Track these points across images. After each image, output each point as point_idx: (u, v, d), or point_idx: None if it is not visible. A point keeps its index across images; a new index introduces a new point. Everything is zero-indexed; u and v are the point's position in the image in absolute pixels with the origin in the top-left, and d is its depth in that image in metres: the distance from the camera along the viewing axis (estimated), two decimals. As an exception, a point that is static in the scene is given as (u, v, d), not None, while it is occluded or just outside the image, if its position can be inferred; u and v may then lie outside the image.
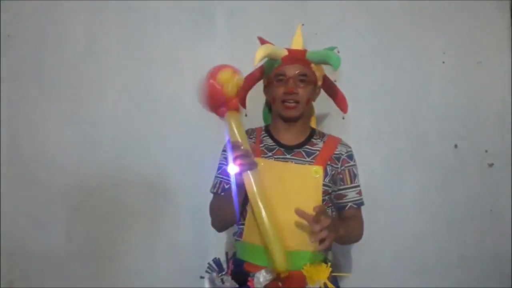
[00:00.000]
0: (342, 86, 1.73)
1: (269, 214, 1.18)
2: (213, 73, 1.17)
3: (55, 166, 1.78)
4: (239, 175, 1.17)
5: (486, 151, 1.74)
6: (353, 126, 1.75)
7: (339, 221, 1.28)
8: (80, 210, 1.78)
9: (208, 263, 1.31)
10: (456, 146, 1.74)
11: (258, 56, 1.21)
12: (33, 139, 1.79)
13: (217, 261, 1.31)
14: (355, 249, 1.72)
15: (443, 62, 1.75)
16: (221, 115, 1.22)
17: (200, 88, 1.21)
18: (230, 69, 1.21)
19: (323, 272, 1.19)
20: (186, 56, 1.74)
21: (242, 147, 1.17)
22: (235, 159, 1.15)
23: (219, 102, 1.19)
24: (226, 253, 1.34)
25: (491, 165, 1.73)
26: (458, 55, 1.75)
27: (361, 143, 1.73)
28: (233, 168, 1.15)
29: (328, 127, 1.73)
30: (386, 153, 1.74)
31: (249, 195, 1.19)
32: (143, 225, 1.76)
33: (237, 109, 1.23)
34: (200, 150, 1.70)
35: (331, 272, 1.21)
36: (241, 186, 1.19)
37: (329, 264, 1.22)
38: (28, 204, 1.78)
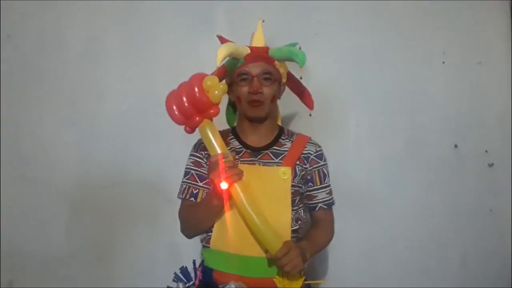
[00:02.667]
0: (342, 85, 1.75)
1: (259, 216, 1.14)
2: (198, 78, 1.12)
3: (55, 166, 1.78)
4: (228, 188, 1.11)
5: (486, 151, 1.73)
6: (353, 126, 1.74)
7: (305, 242, 1.22)
8: (80, 210, 1.78)
9: (175, 273, 1.26)
10: (456, 146, 1.74)
11: (219, 56, 1.17)
12: (33, 139, 1.80)
13: (184, 271, 1.26)
14: (355, 249, 1.72)
15: (443, 62, 1.75)
16: (192, 126, 1.15)
17: (173, 95, 1.14)
18: (215, 76, 1.15)
19: (296, 282, 1.16)
20: (186, 56, 1.74)
21: (226, 159, 1.10)
22: (223, 172, 1.08)
23: (200, 109, 1.12)
24: (194, 261, 1.29)
25: (491, 165, 1.73)
26: (458, 55, 1.75)
27: (361, 143, 1.74)
28: (224, 184, 1.09)
29: (328, 127, 1.73)
30: (386, 153, 1.74)
31: (237, 203, 1.15)
32: (143, 225, 1.76)
33: (212, 118, 1.16)
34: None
35: (304, 280, 1.18)
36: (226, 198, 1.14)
37: (302, 272, 1.18)
38: (28, 204, 1.79)
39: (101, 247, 1.78)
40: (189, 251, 1.69)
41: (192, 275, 1.26)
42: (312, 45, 1.73)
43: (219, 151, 1.13)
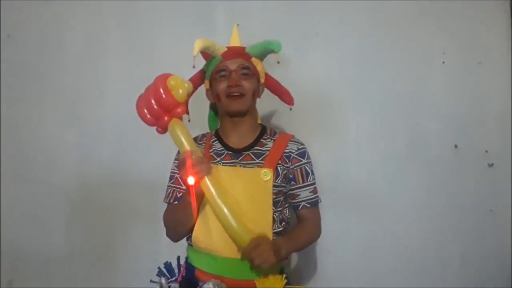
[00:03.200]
0: (342, 85, 1.75)
1: (231, 210, 1.14)
2: (162, 79, 1.14)
3: (55, 166, 1.78)
4: (197, 183, 1.11)
5: (486, 151, 1.73)
6: (353, 126, 1.74)
7: (282, 238, 1.22)
8: (80, 210, 1.78)
9: (159, 268, 1.27)
10: (456, 146, 1.74)
11: (196, 46, 1.21)
12: (33, 139, 1.80)
13: (168, 266, 1.27)
14: (356, 249, 1.72)
15: (443, 62, 1.75)
16: (162, 126, 1.17)
17: (142, 99, 1.17)
18: (179, 76, 1.17)
19: (277, 285, 1.15)
20: (186, 56, 1.73)
21: (194, 156, 1.12)
22: (190, 168, 1.09)
23: (167, 109, 1.14)
24: (178, 258, 1.30)
25: (491, 165, 1.73)
26: (458, 55, 1.75)
27: (361, 143, 1.74)
28: (191, 179, 1.09)
29: (328, 127, 1.73)
30: (386, 153, 1.74)
31: (208, 198, 1.15)
32: (143, 225, 1.76)
33: (181, 117, 1.18)
34: (200, 150, 1.70)
35: (286, 283, 1.17)
36: (198, 195, 1.14)
37: (284, 276, 1.17)
38: (28, 204, 1.79)
39: (101, 247, 1.78)
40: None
41: (176, 271, 1.27)
42: (312, 45, 1.74)
43: (188, 149, 1.15)
